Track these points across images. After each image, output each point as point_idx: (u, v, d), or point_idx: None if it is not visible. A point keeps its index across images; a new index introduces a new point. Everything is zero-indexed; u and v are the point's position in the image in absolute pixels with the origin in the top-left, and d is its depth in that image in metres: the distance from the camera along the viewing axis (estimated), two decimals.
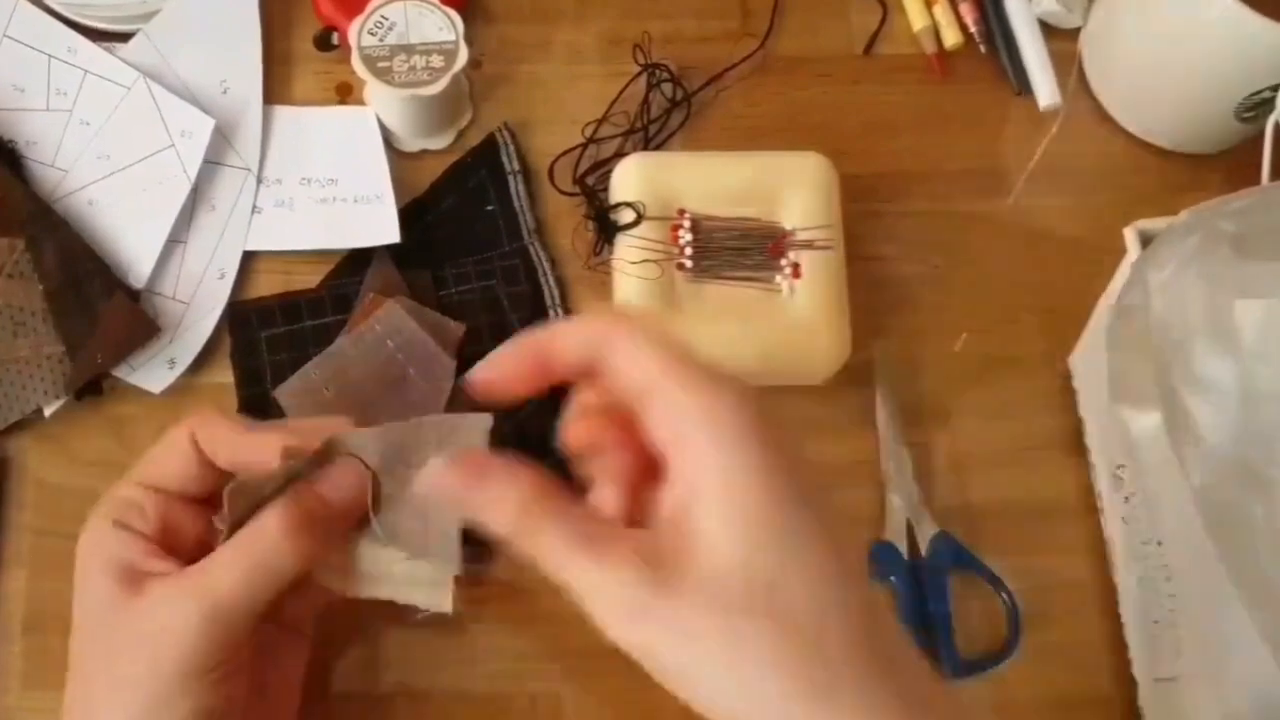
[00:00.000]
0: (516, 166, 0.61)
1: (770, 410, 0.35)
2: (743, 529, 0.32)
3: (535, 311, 0.58)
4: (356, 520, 0.43)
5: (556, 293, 0.59)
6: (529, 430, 0.56)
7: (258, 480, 0.42)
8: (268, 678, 0.45)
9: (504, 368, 0.38)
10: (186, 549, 0.42)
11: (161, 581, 0.40)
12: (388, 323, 0.55)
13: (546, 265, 0.59)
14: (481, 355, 0.55)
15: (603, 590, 0.33)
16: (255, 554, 0.40)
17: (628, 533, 0.35)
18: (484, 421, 0.45)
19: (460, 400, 0.55)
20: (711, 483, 0.33)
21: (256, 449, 0.42)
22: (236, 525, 0.41)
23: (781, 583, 0.32)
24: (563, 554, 0.34)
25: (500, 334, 0.57)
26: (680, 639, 0.32)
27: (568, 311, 0.59)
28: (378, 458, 0.43)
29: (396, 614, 0.53)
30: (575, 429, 0.39)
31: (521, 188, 0.61)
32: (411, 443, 0.44)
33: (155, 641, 0.39)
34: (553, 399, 0.56)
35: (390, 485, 0.43)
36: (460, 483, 0.36)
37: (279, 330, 0.57)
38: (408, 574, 0.45)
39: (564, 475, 0.55)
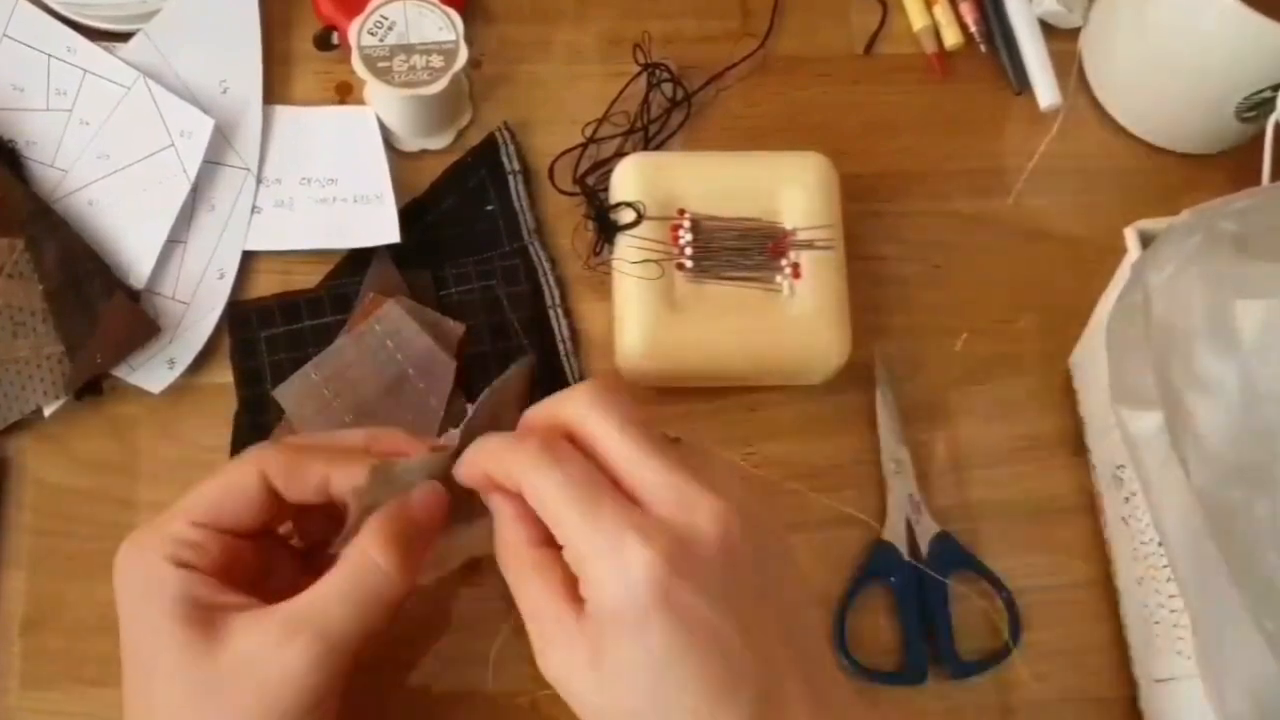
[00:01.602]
0: (516, 166, 0.61)
1: (727, 523, 0.36)
2: (629, 668, 0.35)
3: (535, 311, 0.58)
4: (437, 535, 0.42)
5: (557, 293, 0.59)
6: None
7: (400, 465, 0.41)
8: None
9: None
10: (249, 580, 0.40)
11: (253, 619, 0.38)
12: (387, 323, 0.55)
13: (546, 265, 0.59)
14: (481, 355, 0.56)
15: (540, 656, 0.38)
16: (366, 583, 0.38)
17: (567, 616, 0.37)
18: (525, 362, 0.46)
19: (458, 408, 0.55)
20: (609, 615, 0.36)
21: (342, 477, 0.40)
22: (367, 510, 0.40)
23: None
24: (527, 609, 0.38)
25: (500, 334, 0.57)
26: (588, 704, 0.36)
27: (567, 311, 0.59)
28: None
29: (396, 613, 0.53)
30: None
31: (521, 188, 0.61)
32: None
33: (259, 684, 0.37)
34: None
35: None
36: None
37: (278, 330, 0.57)
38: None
39: None
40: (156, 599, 0.38)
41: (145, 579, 0.39)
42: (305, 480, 0.40)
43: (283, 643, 0.37)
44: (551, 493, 0.36)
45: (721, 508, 0.36)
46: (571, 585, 0.37)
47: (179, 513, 0.40)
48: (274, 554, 0.43)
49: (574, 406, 0.38)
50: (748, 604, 0.36)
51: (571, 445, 0.38)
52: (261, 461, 0.40)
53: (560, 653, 0.37)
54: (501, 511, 0.39)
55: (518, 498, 0.38)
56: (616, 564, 0.35)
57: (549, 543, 0.38)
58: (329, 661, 0.37)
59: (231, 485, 0.40)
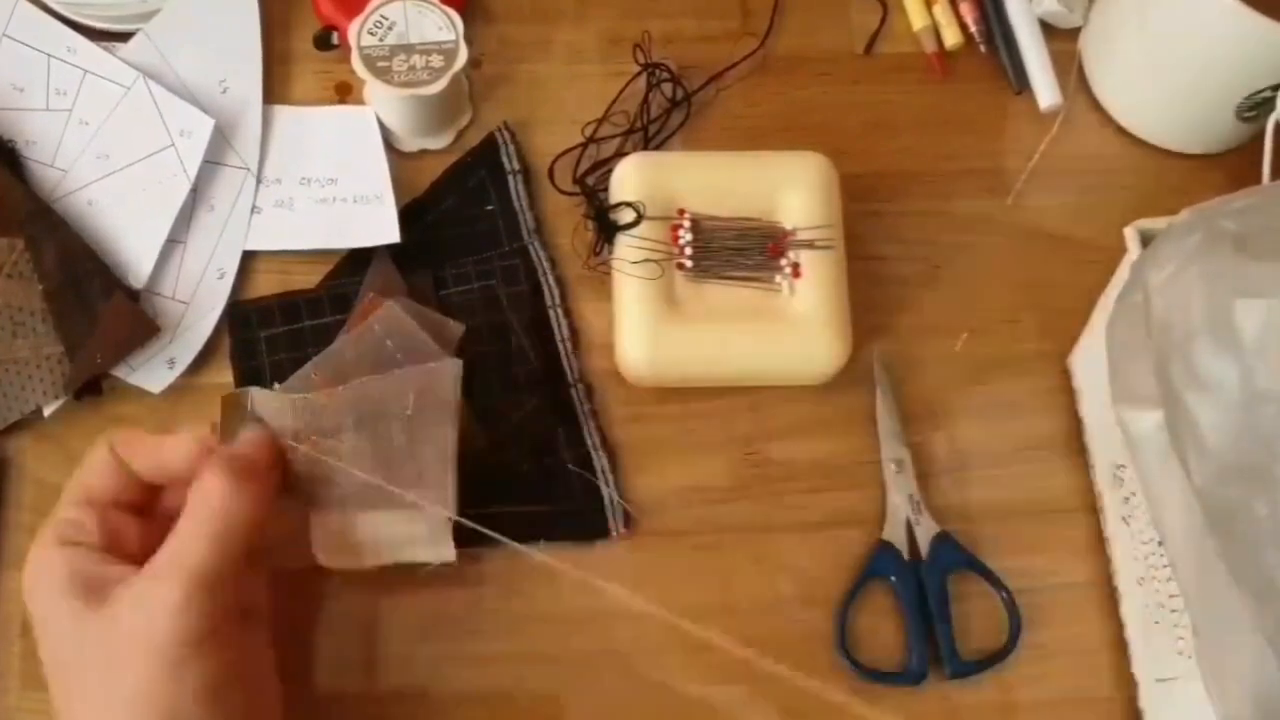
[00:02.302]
0: (516, 166, 0.61)
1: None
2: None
3: (535, 311, 0.58)
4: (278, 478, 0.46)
5: (556, 292, 0.59)
6: (529, 430, 0.56)
7: (251, 393, 0.46)
8: (240, 664, 0.45)
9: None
10: (131, 552, 0.43)
11: (130, 578, 0.41)
12: (387, 323, 0.55)
13: (546, 265, 0.59)
14: (482, 355, 0.56)
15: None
16: (211, 516, 0.42)
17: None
18: (455, 367, 0.50)
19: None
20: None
21: (172, 449, 0.45)
22: (228, 433, 0.46)
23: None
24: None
25: (500, 334, 0.57)
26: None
27: (567, 311, 0.59)
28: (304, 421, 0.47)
29: (396, 614, 0.53)
30: None
31: (521, 187, 0.61)
32: (391, 394, 0.48)
33: (141, 633, 0.40)
34: (553, 401, 0.57)
35: (374, 437, 0.47)
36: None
37: (278, 330, 0.57)
38: (406, 534, 0.48)
39: (563, 475, 0.55)
40: (47, 580, 0.42)
41: (38, 565, 0.42)
42: (144, 455, 0.45)
43: (152, 587, 0.40)
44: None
45: None
46: None
47: (61, 501, 0.44)
48: (159, 531, 0.45)
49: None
50: None
51: None
52: (109, 437, 0.45)
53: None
54: None
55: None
56: None
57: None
58: (198, 595, 0.40)
59: (90, 462, 0.45)
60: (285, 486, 0.47)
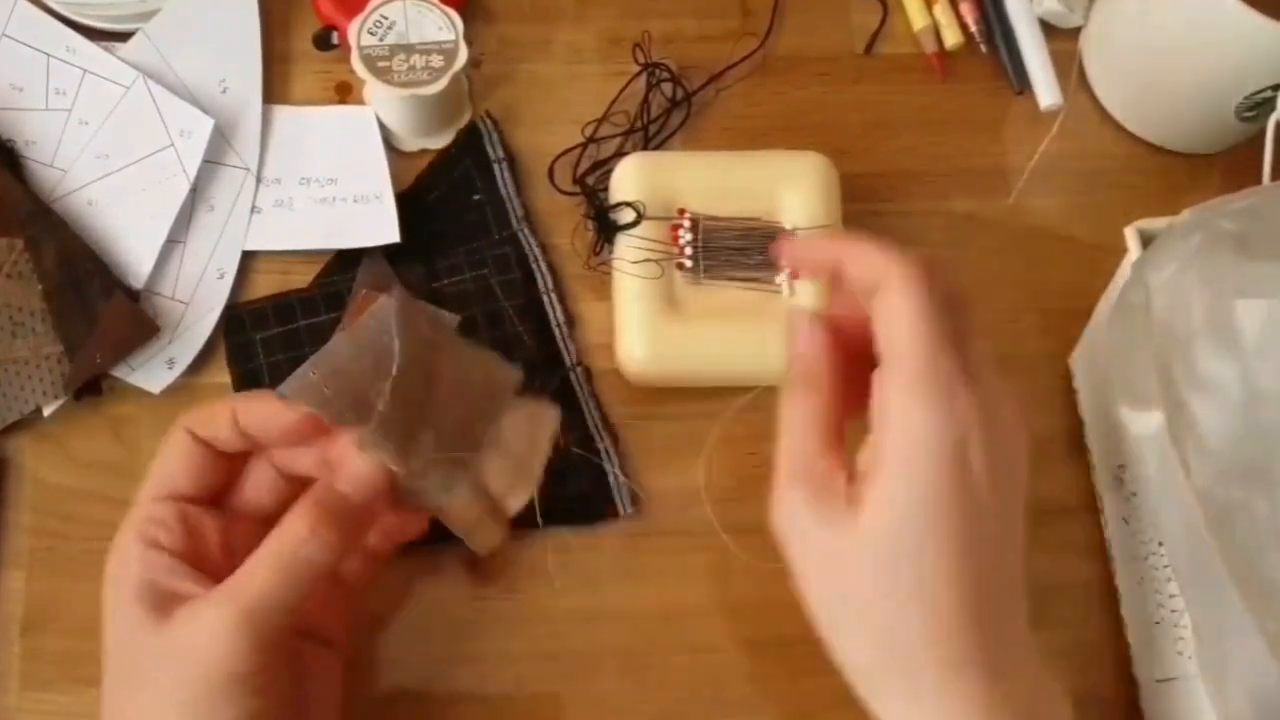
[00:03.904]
0: (501, 154, 0.61)
1: (994, 427, 0.37)
2: (885, 532, 0.37)
3: (529, 298, 0.58)
4: (378, 514, 0.45)
5: (549, 278, 0.59)
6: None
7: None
8: (306, 694, 0.45)
9: (810, 256, 0.43)
10: (213, 559, 0.43)
11: (189, 603, 0.41)
12: (383, 317, 0.55)
13: (537, 251, 0.59)
14: (478, 344, 0.56)
15: (778, 488, 0.40)
16: (284, 555, 0.41)
17: (828, 466, 0.39)
18: (515, 376, 0.50)
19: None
20: (887, 482, 0.37)
21: (246, 402, 0.44)
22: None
23: (918, 572, 0.36)
24: (784, 434, 0.40)
25: (496, 322, 0.57)
26: (805, 558, 0.39)
27: (561, 296, 0.59)
28: (395, 442, 0.45)
29: (396, 614, 0.53)
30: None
31: (508, 174, 0.61)
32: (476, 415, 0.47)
33: (192, 657, 0.39)
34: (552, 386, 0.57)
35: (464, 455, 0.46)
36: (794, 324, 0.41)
37: (273, 332, 0.57)
38: (466, 505, 0.47)
39: (566, 458, 0.55)
40: (123, 583, 0.41)
41: (116, 563, 0.42)
42: (218, 421, 0.44)
43: (203, 614, 0.40)
44: (923, 305, 0.37)
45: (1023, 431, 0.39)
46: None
47: (141, 495, 0.44)
48: (240, 532, 0.45)
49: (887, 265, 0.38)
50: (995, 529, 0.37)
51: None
52: (182, 422, 0.44)
53: (811, 496, 0.38)
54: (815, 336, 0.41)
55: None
56: (943, 409, 0.36)
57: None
58: (250, 626, 0.39)
59: (168, 450, 0.44)
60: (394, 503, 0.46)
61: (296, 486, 0.45)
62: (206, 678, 0.39)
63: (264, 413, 0.44)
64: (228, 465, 0.45)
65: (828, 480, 0.38)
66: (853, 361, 0.40)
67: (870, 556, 0.37)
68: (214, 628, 0.39)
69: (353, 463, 0.44)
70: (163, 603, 0.41)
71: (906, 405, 0.36)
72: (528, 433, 0.50)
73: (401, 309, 0.48)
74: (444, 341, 0.49)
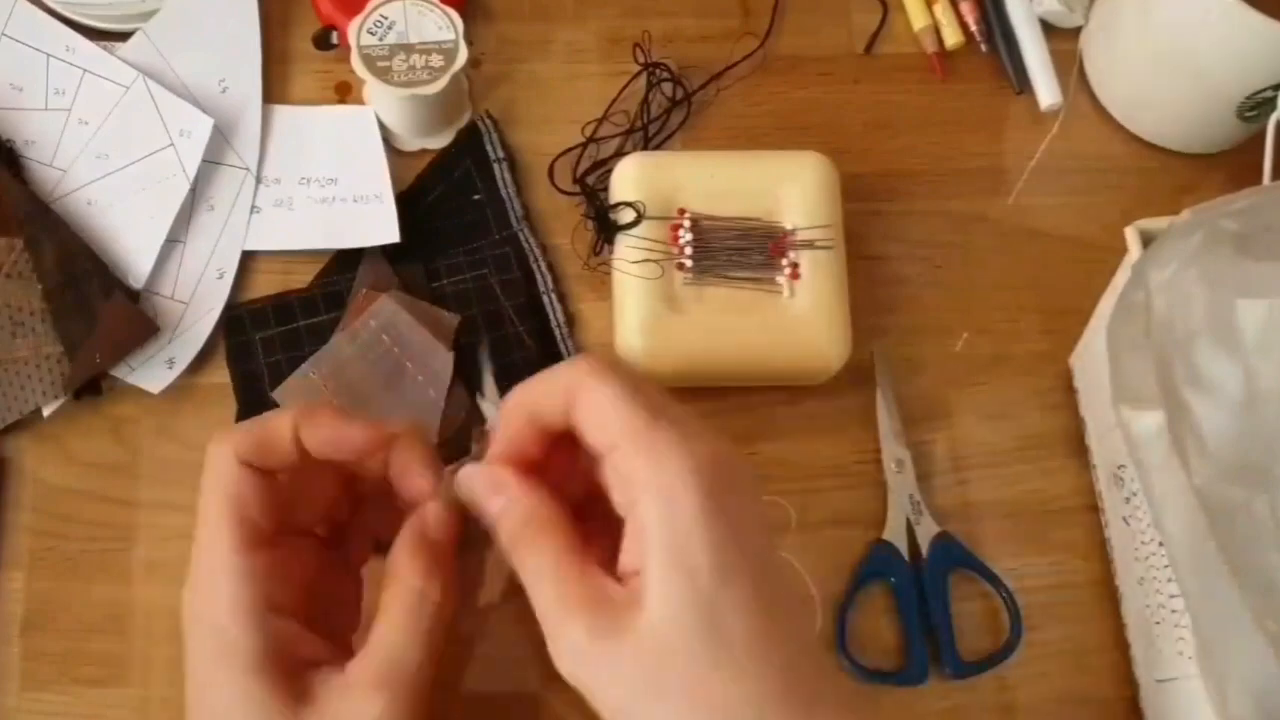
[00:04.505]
0: (501, 154, 0.61)
1: (729, 468, 0.36)
2: (679, 603, 0.34)
3: (529, 298, 0.58)
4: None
5: (549, 278, 0.59)
6: None
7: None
8: None
9: (510, 445, 0.39)
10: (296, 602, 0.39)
11: (339, 680, 0.37)
12: (382, 318, 0.55)
13: (537, 251, 0.59)
14: (478, 344, 0.56)
15: (554, 628, 0.36)
16: (422, 616, 0.38)
17: (593, 580, 0.36)
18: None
19: (458, 399, 0.55)
20: (658, 555, 0.35)
21: (347, 429, 0.40)
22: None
23: (709, 651, 0.34)
24: (535, 582, 0.37)
25: (495, 322, 0.57)
26: (613, 681, 0.35)
27: (561, 296, 0.59)
28: None
29: None
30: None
31: (508, 174, 0.61)
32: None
33: None
34: None
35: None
36: (481, 487, 0.39)
37: (273, 332, 0.57)
38: None
39: None
40: (237, 651, 0.36)
41: (218, 626, 0.37)
42: (278, 444, 0.39)
43: (360, 698, 0.37)
44: (610, 397, 0.36)
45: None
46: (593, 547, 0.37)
47: (215, 550, 0.38)
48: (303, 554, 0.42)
49: (571, 375, 0.38)
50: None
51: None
52: (233, 450, 0.39)
53: (587, 620, 0.35)
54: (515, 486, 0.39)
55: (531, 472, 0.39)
56: (684, 466, 0.35)
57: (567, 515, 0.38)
58: (406, 704, 0.37)
59: (233, 489, 0.39)
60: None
61: (345, 496, 0.43)
62: None
63: (331, 432, 0.39)
64: (286, 490, 0.41)
65: (602, 593, 0.36)
66: (554, 481, 0.39)
67: (671, 640, 0.34)
68: (380, 709, 0.36)
69: (439, 507, 0.40)
70: (295, 677, 0.37)
71: (645, 476, 0.35)
72: None
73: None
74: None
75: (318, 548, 0.43)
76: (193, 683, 0.38)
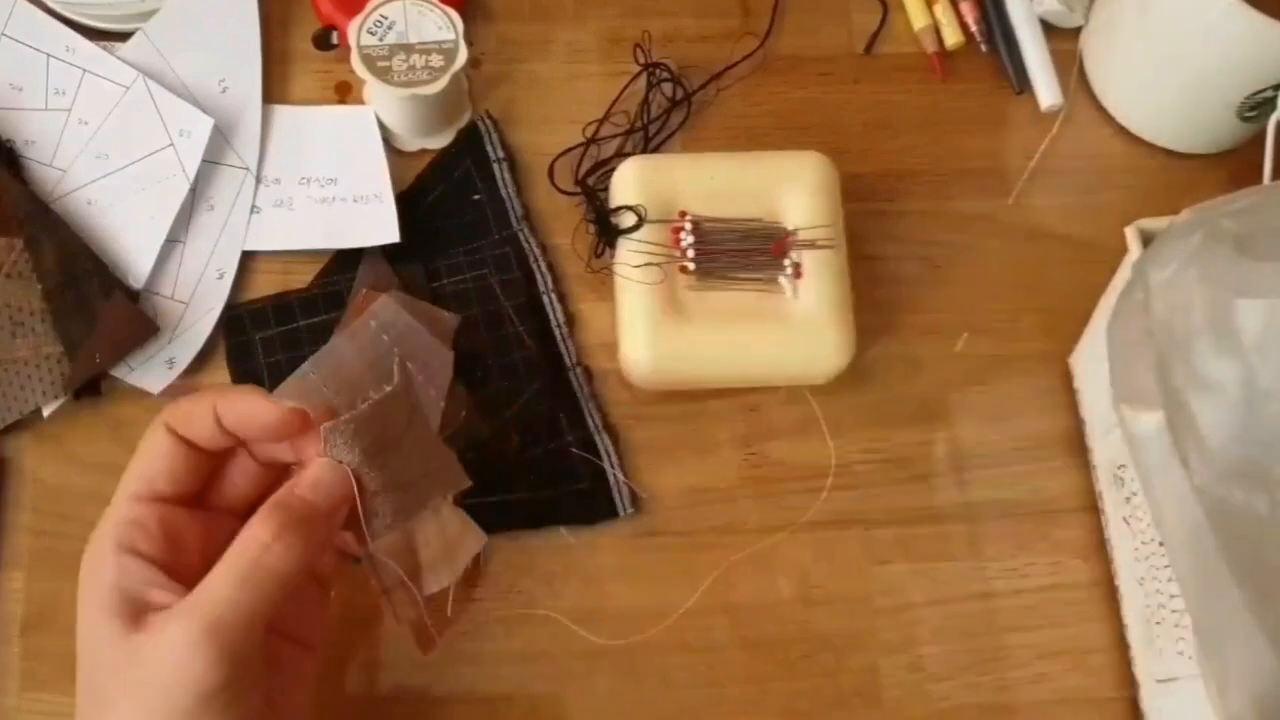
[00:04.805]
0: (501, 154, 0.61)
1: None
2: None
3: (529, 298, 0.58)
4: (345, 517, 0.43)
5: (549, 278, 0.59)
6: (530, 416, 0.56)
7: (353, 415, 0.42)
8: (274, 690, 0.44)
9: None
10: (192, 565, 0.41)
11: (158, 616, 0.39)
12: (382, 318, 0.55)
13: (537, 251, 0.59)
14: (477, 345, 0.57)
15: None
16: (246, 564, 0.40)
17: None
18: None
19: (459, 398, 0.55)
20: None
21: (228, 397, 0.42)
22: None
23: None
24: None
25: (495, 322, 0.57)
26: None
27: (561, 296, 0.59)
28: (362, 447, 0.43)
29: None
30: None
31: (508, 174, 0.61)
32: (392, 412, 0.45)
33: (160, 672, 0.39)
34: (553, 386, 0.57)
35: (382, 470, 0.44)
36: None
37: (273, 332, 0.57)
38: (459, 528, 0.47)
39: (567, 459, 0.54)
40: (95, 590, 0.40)
41: (91, 568, 0.41)
42: (199, 417, 0.42)
43: (170, 629, 0.39)
44: None
45: None
46: None
47: (119, 494, 0.42)
48: (221, 530, 0.43)
49: None
50: None
51: None
52: (162, 416, 0.42)
53: None
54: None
55: None
56: None
57: None
58: (217, 641, 0.38)
59: (148, 448, 0.42)
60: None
61: (279, 476, 0.44)
62: (175, 697, 0.38)
63: (247, 409, 0.42)
64: (209, 462, 0.43)
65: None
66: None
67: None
68: (179, 644, 0.38)
69: (319, 467, 0.42)
70: (135, 613, 0.39)
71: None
72: (460, 527, 0.49)
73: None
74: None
75: (237, 521, 0.44)
76: (78, 613, 0.41)
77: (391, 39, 0.58)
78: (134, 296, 0.56)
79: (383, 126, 0.61)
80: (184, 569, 0.41)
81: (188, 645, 0.38)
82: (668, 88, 0.63)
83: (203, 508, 0.43)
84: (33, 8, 0.61)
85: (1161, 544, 0.49)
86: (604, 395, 0.57)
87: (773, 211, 0.57)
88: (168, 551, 0.41)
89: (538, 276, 0.59)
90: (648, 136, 0.62)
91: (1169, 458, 0.42)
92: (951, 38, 0.65)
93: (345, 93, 0.63)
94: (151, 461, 0.42)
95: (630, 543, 0.55)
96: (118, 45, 0.61)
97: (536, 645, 0.53)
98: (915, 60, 0.66)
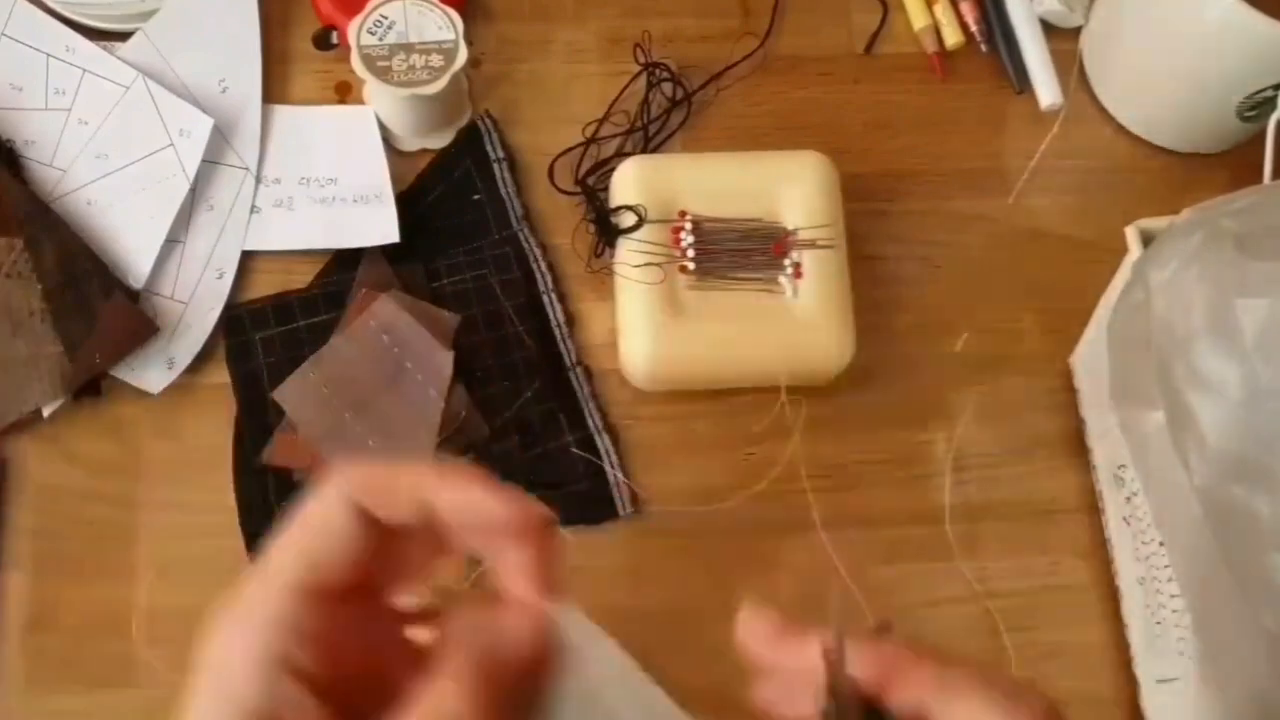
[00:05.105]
0: (501, 154, 0.61)
1: None
2: None
3: (529, 298, 0.58)
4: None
5: (549, 278, 0.59)
6: (530, 416, 0.56)
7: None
8: None
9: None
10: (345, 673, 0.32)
11: None
12: (382, 317, 0.55)
13: (537, 251, 0.59)
14: (477, 345, 0.56)
15: None
16: None
17: None
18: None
19: (457, 399, 0.55)
20: None
21: (440, 478, 0.33)
22: None
23: None
24: None
25: (495, 322, 0.57)
26: None
27: (561, 296, 0.59)
28: None
29: None
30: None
31: (508, 174, 0.61)
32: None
33: None
34: (553, 386, 0.56)
35: None
36: None
37: (273, 331, 0.57)
38: None
39: (567, 459, 0.54)
40: (234, 699, 0.30)
41: (222, 671, 0.31)
42: (401, 494, 0.33)
43: None
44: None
45: None
46: None
47: (270, 575, 0.32)
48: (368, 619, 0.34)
49: None
50: None
51: None
52: (339, 484, 0.32)
53: None
54: None
55: None
56: None
57: None
58: None
59: (319, 523, 0.32)
60: None
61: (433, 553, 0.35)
62: None
63: (469, 499, 0.33)
64: (386, 545, 0.33)
65: None
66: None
67: None
68: None
69: (522, 625, 0.34)
70: None
71: None
72: None
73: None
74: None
75: (380, 613, 0.36)
76: (189, 702, 0.31)
77: (391, 39, 0.58)
78: (134, 296, 0.56)
79: (383, 126, 0.61)
80: (336, 684, 0.32)
81: None
82: (668, 88, 0.63)
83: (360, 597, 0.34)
84: (33, 8, 0.61)
85: (1161, 544, 0.49)
86: (604, 395, 0.57)
87: (773, 211, 0.57)
88: (328, 667, 0.31)
89: (538, 276, 0.59)
90: (648, 136, 0.62)
91: (1169, 458, 0.43)
92: (951, 38, 0.65)
93: (345, 93, 0.63)
94: (324, 540, 0.32)
95: (630, 543, 0.55)
96: (118, 45, 0.61)
97: None
98: (915, 60, 0.66)
